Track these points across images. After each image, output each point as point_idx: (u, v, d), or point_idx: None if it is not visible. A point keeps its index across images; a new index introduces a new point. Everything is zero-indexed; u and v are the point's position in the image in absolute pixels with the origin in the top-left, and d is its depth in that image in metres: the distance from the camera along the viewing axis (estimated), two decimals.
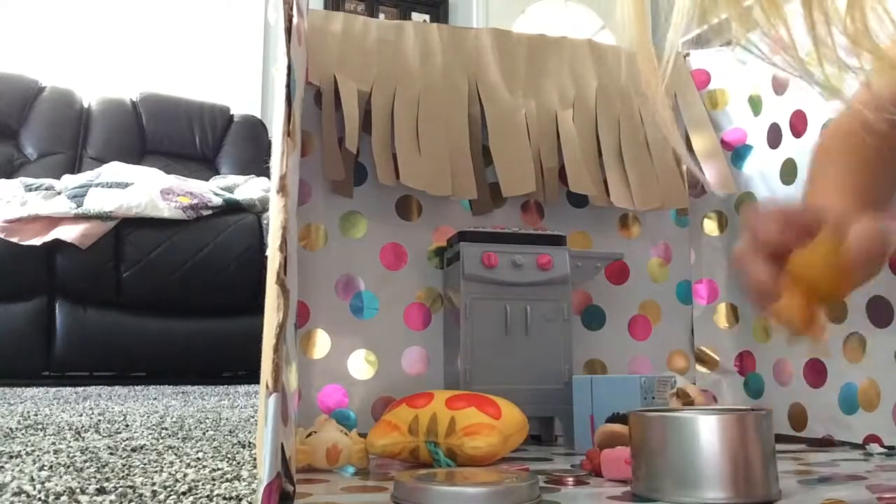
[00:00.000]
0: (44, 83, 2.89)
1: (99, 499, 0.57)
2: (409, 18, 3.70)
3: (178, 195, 2.33)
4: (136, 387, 2.03)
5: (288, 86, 0.46)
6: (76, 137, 2.86)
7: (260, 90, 3.43)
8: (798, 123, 0.93)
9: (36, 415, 1.23)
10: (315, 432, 0.68)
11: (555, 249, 0.89)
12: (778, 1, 0.46)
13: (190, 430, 1.04)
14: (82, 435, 0.98)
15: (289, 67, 0.46)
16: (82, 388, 1.96)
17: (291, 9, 0.49)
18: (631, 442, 0.55)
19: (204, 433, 1.01)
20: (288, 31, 0.48)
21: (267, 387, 0.39)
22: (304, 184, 0.91)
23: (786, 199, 0.62)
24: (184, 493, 0.59)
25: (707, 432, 0.49)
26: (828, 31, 0.45)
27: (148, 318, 2.28)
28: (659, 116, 0.57)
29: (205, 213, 2.34)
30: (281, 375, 0.39)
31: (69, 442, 0.91)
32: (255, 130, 3.16)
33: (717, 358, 1.03)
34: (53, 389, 1.90)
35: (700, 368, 1.03)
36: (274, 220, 0.42)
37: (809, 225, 0.54)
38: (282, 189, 0.42)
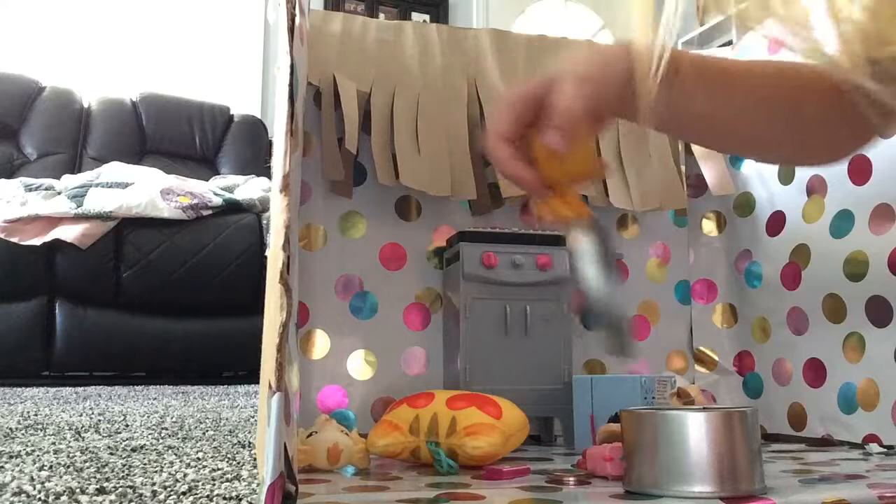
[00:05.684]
0: (44, 83, 2.89)
1: (99, 499, 0.57)
2: (409, 18, 3.70)
3: (178, 195, 2.33)
4: (136, 387, 2.03)
5: (291, 84, 0.46)
6: (76, 137, 2.86)
7: (260, 90, 3.43)
8: None
9: (36, 415, 1.23)
10: (315, 432, 0.68)
11: (554, 249, 0.90)
12: None
13: (190, 430, 1.04)
14: (82, 435, 0.98)
15: (291, 66, 0.46)
16: (82, 388, 1.96)
17: (294, 8, 0.49)
18: (623, 439, 0.55)
19: (204, 433, 1.01)
20: (291, 30, 0.48)
21: (270, 386, 0.39)
22: (303, 184, 0.91)
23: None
24: (184, 493, 0.59)
25: (695, 429, 0.51)
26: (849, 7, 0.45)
27: (148, 318, 2.28)
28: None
29: (205, 213, 2.35)
30: (284, 375, 0.39)
31: (69, 442, 0.91)
32: (255, 130, 3.16)
33: (716, 358, 1.03)
34: (53, 389, 1.90)
35: (699, 368, 1.03)
36: (276, 219, 0.42)
37: (539, 115, 0.54)
38: (285, 188, 0.42)
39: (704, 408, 0.56)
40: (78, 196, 2.23)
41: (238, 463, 0.75)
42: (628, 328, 0.55)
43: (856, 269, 0.83)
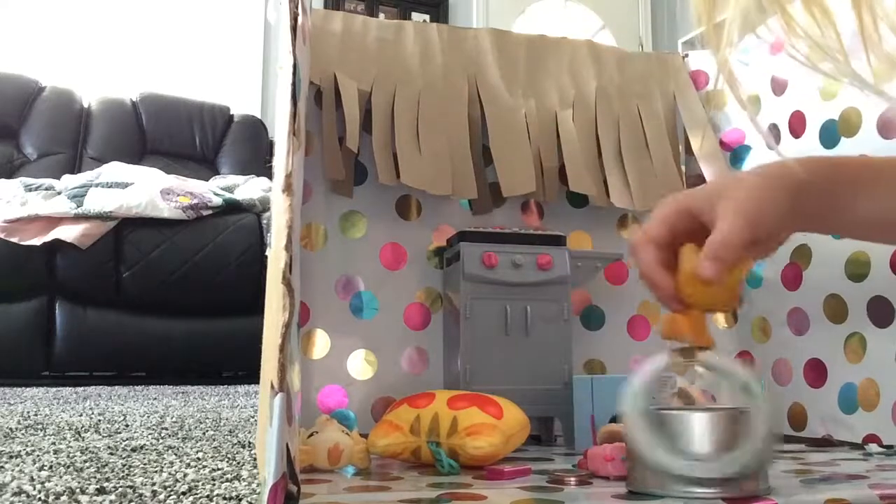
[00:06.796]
0: (44, 83, 2.89)
1: (99, 499, 0.57)
2: (409, 18, 3.70)
3: (178, 195, 2.33)
4: (136, 387, 2.03)
5: (293, 84, 0.46)
6: (76, 137, 2.86)
7: (260, 90, 3.43)
8: (797, 124, 0.93)
9: (36, 415, 1.23)
10: (316, 432, 0.68)
11: (555, 249, 0.90)
12: (826, 6, 0.46)
13: (190, 430, 1.04)
14: (82, 435, 0.98)
15: (294, 66, 0.46)
16: (82, 388, 1.96)
17: (297, 7, 0.49)
18: (626, 439, 0.55)
19: (204, 433, 1.01)
20: (293, 29, 0.48)
21: (272, 387, 0.39)
22: (304, 183, 0.91)
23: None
24: (184, 493, 0.59)
25: (699, 429, 0.51)
26: (875, 27, 0.46)
27: (148, 318, 2.28)
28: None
29: (205, 213, 2.34)
30: (286, 375, 0.39)
31: (69, 442, 0.91)
32: (255, 130, 3.16)
33: (717, 358, 1.02)
34: (53, 389, 1.89)
35: (699, 369, 1.03)
36: (279, 219, 0.42)
37: (693, 227, 0.54)
38: (287, 188, 0.42)
39: (707, 408, 0.56)
40: (78, 196, 2.23)
41: (238, 463, 0.75)
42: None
43: (857, 269, 0.83)
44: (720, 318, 1.04)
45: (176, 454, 0.81)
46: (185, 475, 0.67)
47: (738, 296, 0.54)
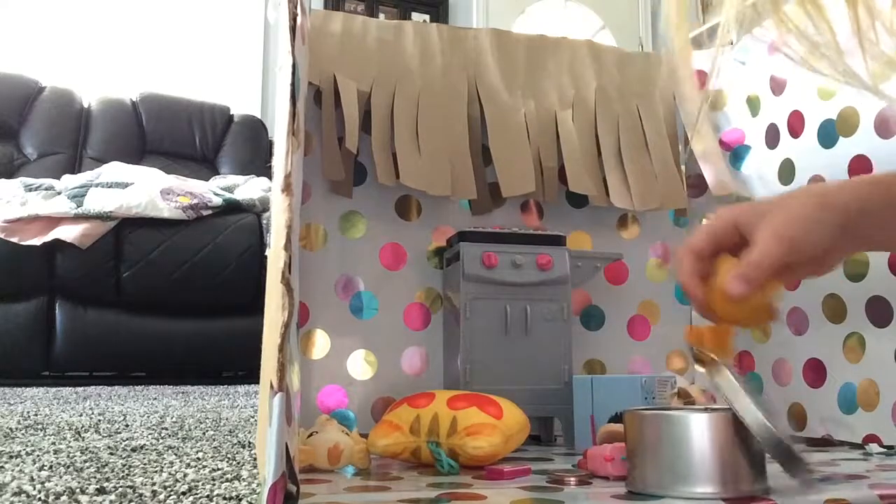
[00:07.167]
0: (44, 83, 2.89)
1: (99, 499, 0.57)
2: (409, 18, 3.70)
3: (178, 195, 2.33)
4: (136, 387, 2.03)
5: (292, 84, 0.46)
6: (76, 137, 2.85)
7: (260, 90, 3.42)
8: (796, 124, 0.93)
9: (36, 415, 1.23)
10: (316, 432, 0.68)
11: (554, 249, 0.90)
12: (821, 4, 0.46)
13: (190, 430, 1.04)
14: (82, 435, 0.98)
15: (293, 66, 0.46)
16: (82, 388, 1.96)
17: (296, 7, 0.49)
18: (626, 439, 0.55)
19: (204, 433, 1.01)
20: (293, 29, 0.48)
21: (271, 386, 0.39)
22: (303, 184, 0.91)
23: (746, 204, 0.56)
24: (184, 493, 0.59)
25: (698, 429, 0.51)
26: (871, 25, 0.46)
27: (148, 318, 2.28)
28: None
29: (205, 213, 2.34)
30: (286, 375, 0.39)
31: (69, 442, 0.91)
32: (255, 130, 3.16)
33: (716, 358, 1.02)
34: (53, 389, 1.89)
35: (699, 369, 1.03)
36: (278, 219, 0.42)
37: (738, 241, 0.54)
38: (286, 188, 0.42)
39: (706, 408, 0.56)
40: (78, 196, 2.23)
41: (238, 463, 0.75)
42: (797, 452, 0.50)
43: (856, 269, 0.83)
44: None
45: (176, 454, 0.81)
46: (185, 475, 0.67)
47: (768, 314, 0.54)
